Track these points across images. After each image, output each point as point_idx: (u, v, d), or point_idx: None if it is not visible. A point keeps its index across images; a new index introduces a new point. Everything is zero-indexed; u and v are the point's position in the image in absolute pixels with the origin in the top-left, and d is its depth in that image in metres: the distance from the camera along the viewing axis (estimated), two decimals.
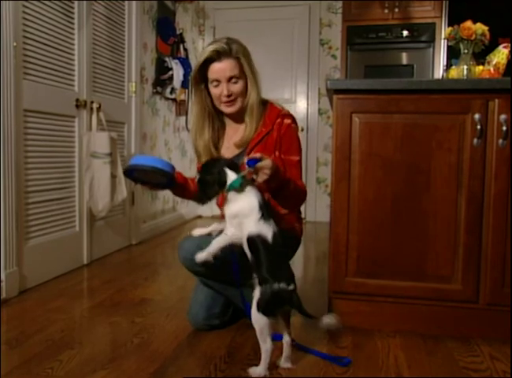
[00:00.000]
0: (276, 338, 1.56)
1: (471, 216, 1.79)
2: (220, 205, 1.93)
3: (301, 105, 4.90)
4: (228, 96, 1.80)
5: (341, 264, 1.88)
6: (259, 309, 1.46)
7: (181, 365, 1.59)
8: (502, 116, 1.74)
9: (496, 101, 1.75)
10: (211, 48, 1.78)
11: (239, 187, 1.52)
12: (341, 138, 1.86)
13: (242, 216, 1.52)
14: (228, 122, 1.95)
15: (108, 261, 3.09)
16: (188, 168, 4.86)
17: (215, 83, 1.81)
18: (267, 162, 1.52)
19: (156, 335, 1.85)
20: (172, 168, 1.73)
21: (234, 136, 1.91)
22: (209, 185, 1.56)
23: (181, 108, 4.53)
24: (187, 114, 4.57)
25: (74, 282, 2.61)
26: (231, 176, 1.53)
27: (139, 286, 2.53)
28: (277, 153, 1.81)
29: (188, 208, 4.75)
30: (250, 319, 1.51)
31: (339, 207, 1.88)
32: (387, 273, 1.86)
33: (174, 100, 4.35)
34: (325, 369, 1.56)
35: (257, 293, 1.48)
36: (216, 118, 1.92)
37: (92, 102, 2.96)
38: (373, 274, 1.87)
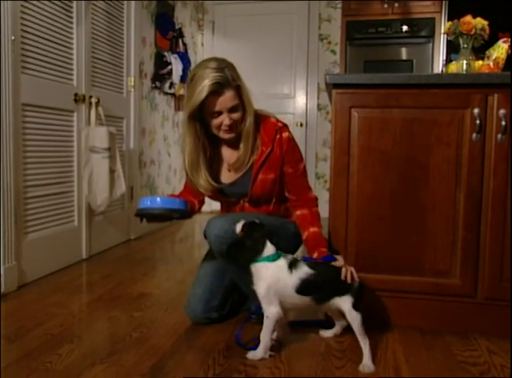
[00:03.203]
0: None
1: (469, 211, 1.79)
2: (222, 211, 2.05)
3: (300, 101, 4.89)
4: (229, 125, 1.78)
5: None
6: (357, 309, 1.58)
7: (180, 359, 1.59)
8: (502, 111, 1.73)
9: (495, 95, 1.75)
10: (210, 81, 1.68)
11: (271, 261, 1.60)
12: (340, 133, 1.86)
13: (274, 282, 1.58)
14: (224, 147, 1.92)
15: (107, 256, 3.10)
16: None
17: (215, 115, 1.75)
18: (341, 262, 1.68)
19: (155, 330, 1.85)
20: (186, 203, 1.75)
21: (231, 159, 1.89)
22: (246, 249, 1.60)
23: (180, 103, 4.51)
24: None
25: (73, 276, 2.62)
26: (269, 248, 1.61)
27: (137, 280, 2.53)
28: (286, 168, 1.85)
29: None
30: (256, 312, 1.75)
31: (337, 202, 1.88)
32: (386, 268, 1.86)
33: (173, 95, 4.34)
34: (323, 364, 1.57)
35: (347, 299, 1.59)
36: (208, 147, 1.88)
37: (91, 97, 2.95)
38: (372, 269, 1.87)
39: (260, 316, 1.87)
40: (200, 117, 1.80)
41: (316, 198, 1.92)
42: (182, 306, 1.99)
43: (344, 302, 1.59)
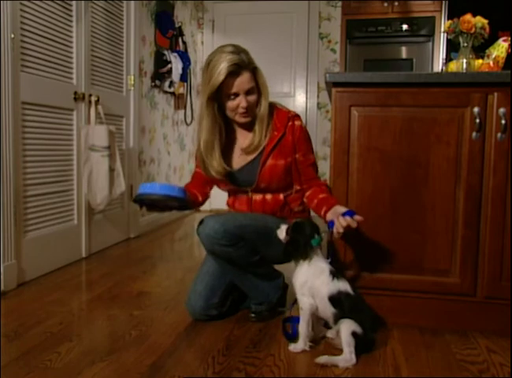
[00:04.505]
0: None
1: (469, 210, 1.79)
2: (231, 205, 2.04)
3: (300, 99, 4.89)
4: (246, 108, 1.79)
5: (339, 258, 1.88)
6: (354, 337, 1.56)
7: (179, 358, 1.59)
8: (501, 110, 1.73)
9: (495, 94, 1.75)
10: (228, 63, 1.71)
11: (316, 246, 1.66)
12: (340, 132, 1.86)
13: (312, 278, 1.63)
14: (239, 130, 1.93)
15: (106, 255, 3.10)
16: (187, 162, 4.86)
17: (232, 97, 1.78)
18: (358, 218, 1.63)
19: (154, 328, 1.85)
20: (184, 192, 1.74)
21: (244, 143, 1.90)
22: (300, 246, 1.65)
23: (180, 101, 4.52)
24: (185, 108, 4.56)
25: (72, 275, 2.62)
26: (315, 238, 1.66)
27: (137, 279, 2.54)
28: (298, 155, 1.89)
29: None
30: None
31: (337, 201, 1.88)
32: (385, 267, 1.86)
33: (173, 94, 4.34)
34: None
35: (348, 324, 1.56)
36: (223, 130, 1.88)
37: (90, 95, 2.95)
38: (371, 267, 1.87)
39: (259, 315, 1.88)
40: (218, 100, 1.82)
41: (327, 184, 1.93)
42: (182, 305, 1.99)
43: (346, 325, 1.56)
